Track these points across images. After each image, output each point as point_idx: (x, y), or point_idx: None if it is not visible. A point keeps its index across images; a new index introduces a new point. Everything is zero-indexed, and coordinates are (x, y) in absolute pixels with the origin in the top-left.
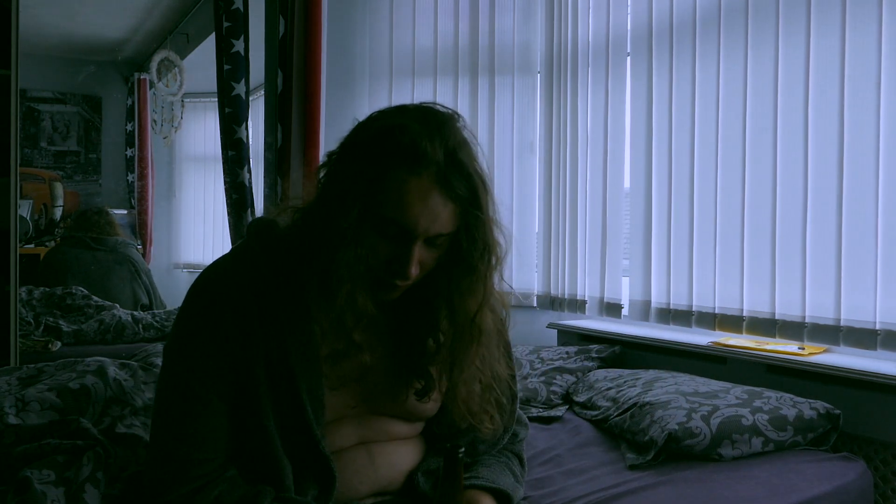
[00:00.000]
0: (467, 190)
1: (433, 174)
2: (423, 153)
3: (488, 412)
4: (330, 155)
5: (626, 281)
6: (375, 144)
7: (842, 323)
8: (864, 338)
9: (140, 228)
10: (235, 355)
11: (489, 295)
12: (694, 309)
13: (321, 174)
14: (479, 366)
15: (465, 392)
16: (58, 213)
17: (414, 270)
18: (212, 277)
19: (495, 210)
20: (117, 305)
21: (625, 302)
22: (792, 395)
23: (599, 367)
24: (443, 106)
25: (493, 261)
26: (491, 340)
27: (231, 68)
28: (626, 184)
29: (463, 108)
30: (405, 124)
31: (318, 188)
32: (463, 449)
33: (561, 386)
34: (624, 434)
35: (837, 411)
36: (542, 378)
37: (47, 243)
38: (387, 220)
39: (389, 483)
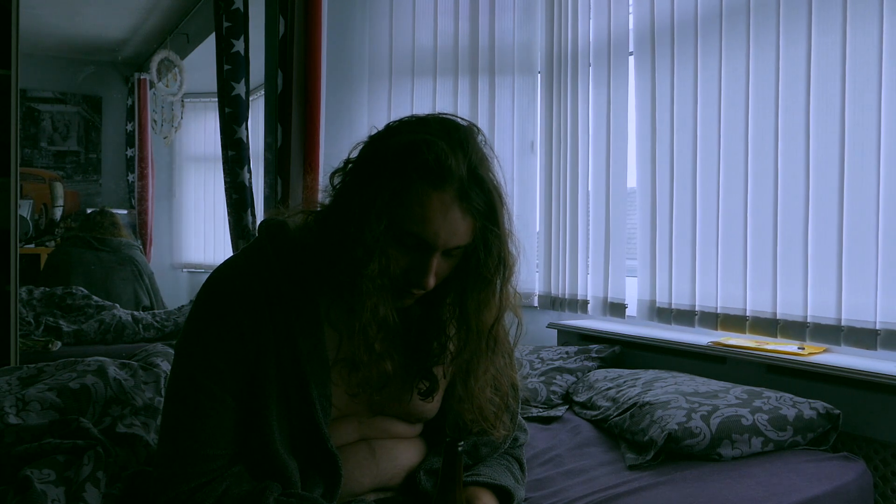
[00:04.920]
0: (485, 205)
1: (455, 189)
2: (447, 169)
3: (501, 418)
4: (347, 162)
5: (629, 281)
6: (400, 159)
7: (843, 323)
8: (864, 337)
9: (140, 228)
10: (247, 353)
11: (504, 307)
12: (697, 309)
13: (336, 181)
14: (494, 374)
15: (480, 399)
16: (58, 213)
17: (431, 281)
18: (225, 276)
19: (510, 222)
20: (117, 305)
21: (630, 302)
22: (792, 395)
23: (599, 367)
24: (462, 119)
25: (507, 273)
26: (506, 349)
27: (231, 68)
28: (629, 183)
29: (463, 108)
30: (430, 140)
31: (334, 194)
32: (462, 443)
33: (561, 386)
34: (624, 434)
35: (837, 411)
36: (542, 378)
37: (47, 243)
38: (407, 233)
39: (391, 478)
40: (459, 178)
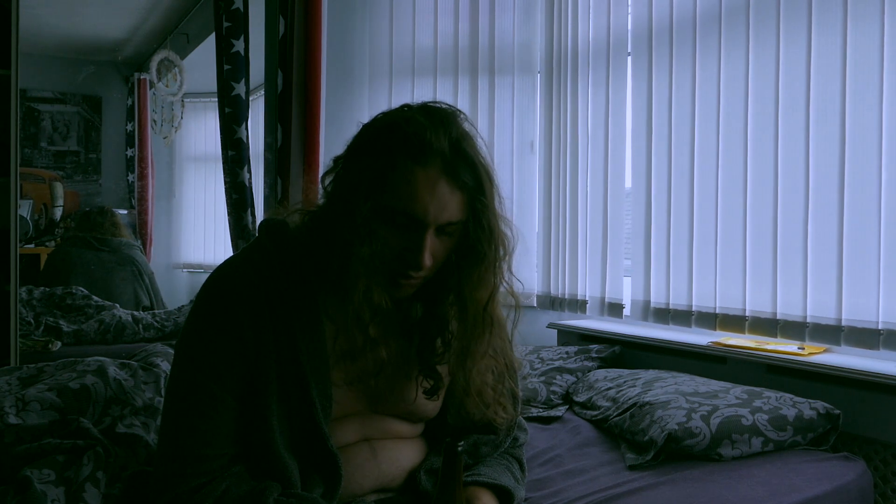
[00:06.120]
0: (473, 179)
1: (439, 164)
2: (428, 144)
3: (501, 403)
4: (336, 160)
5: (627, 281)
6: (381, 139)
7: (843, 323)
8: (866, 337)
9: (140, 228)
10: (247, 352)
11: (499, 284)
12: (694, 309)
13: (328, 181)
14: (492, 355)
15: (479, 382)
16: (58, 213)
17: (427, 260)
18: (225, 275)
19: (501, 203)
20: (117, 305)
21: (626, 302)
22: (792, 395)
23: (599, 367)
24: (444, 103)
25: (502, 251)
26: (503, 331)
27: (231, 68)
28: (627, 184)
29: (463, 108)
30: (409, 117)
31: (327, 191)
32: (462, 443)
33: (561, 386)
34: (624, 434)
35: (837, 411)
36: (542, 378)
37: (47, 243)
38: (397, 212)
39: (392, 479)
40: (442, 152)
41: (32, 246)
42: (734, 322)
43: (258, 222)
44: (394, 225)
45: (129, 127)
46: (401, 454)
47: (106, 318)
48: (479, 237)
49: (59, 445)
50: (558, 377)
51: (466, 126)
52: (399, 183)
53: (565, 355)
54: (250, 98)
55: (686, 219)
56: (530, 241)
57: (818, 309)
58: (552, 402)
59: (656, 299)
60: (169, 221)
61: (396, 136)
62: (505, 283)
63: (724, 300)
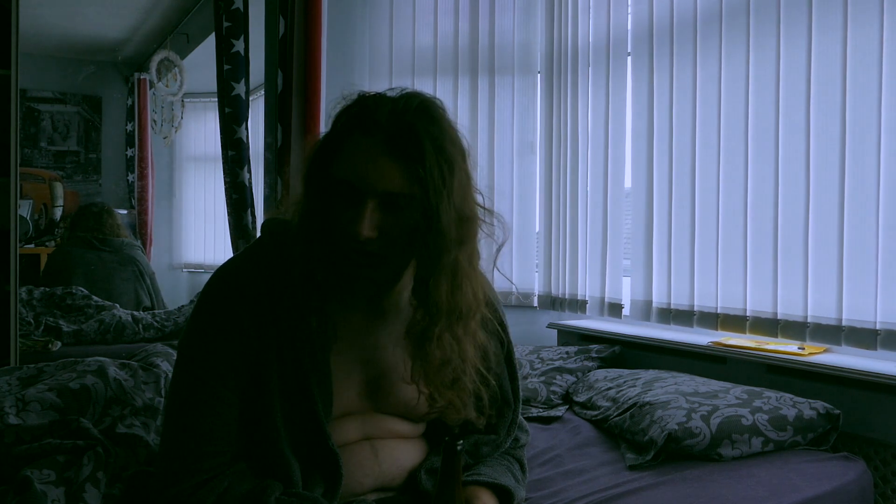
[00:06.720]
0: (417, 152)
1: (381, 134)
2: (371, 114)
3: (462, 398)
4: None
5: (627, 281)
6: (335, 117)
7: (843, 323)
8: (864, 338)
9: (140, 228)
10: (249, 351)
11: (449, 265)
12: (696, 309)
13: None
14: (450, 342)
15: (438, 378)
16: (58, 213)
17: (366, 230)
18: (227, 274)
19: (463, 181)
20: (117, 305)
21: (626, 302)
22: (792, 395)
23: (599, 367)
24: (417, 91)
25: (459, 232)
26: (462, 314)
27: (231, 68)
28: (627, 184)
29: (463, 108)
30: (364, 95)
31: None
32: (461, 442)
33: (561, 386)
34: (624, 434)
35: (837, 411)
36: (542, 378)
37: (47, 243)
38: (339, 182)
39: (392, 479)
40: (383, 122)
41: (32, 246)
42: (735, 322)
43: (258, 222)
44: (342, 198)
45: (129, 127)
46: (401, 453)
47: (106, 318)
48: (422, 211)
49: (60, 446)
50: (558, 377)
51: (427, 103)
52: (342, 154)
53: (565, 355)
54: (250, 98)
55: (687, 219)
56: (531, 242)
57: (819, 309)
58: (552, 402)
59: (658, 299)
60: (169, 221)
61: (344, 113)
62: (468, 271)
63: (725, 300)
